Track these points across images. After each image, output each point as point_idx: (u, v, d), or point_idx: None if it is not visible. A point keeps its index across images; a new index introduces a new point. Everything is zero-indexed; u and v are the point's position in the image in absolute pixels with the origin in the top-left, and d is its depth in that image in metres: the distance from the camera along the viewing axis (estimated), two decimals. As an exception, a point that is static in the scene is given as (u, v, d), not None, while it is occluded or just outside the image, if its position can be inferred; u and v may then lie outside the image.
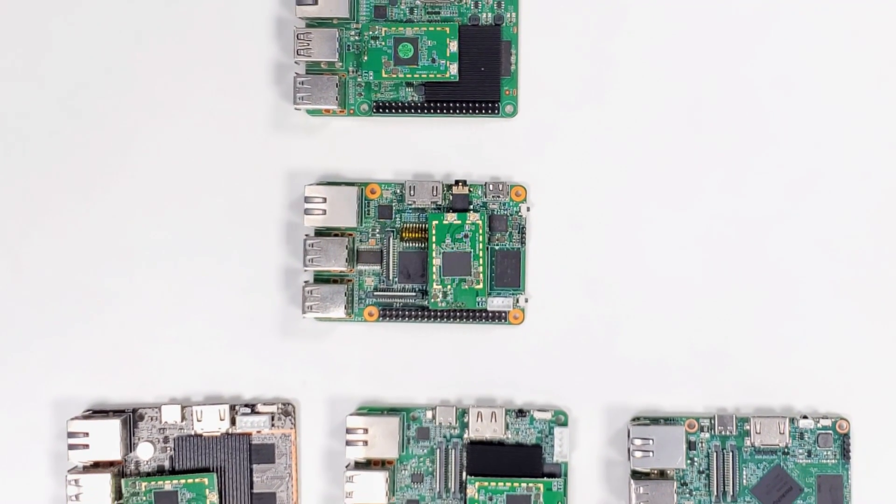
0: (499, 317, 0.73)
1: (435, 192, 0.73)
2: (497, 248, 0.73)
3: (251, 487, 0.74)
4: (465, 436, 0.73)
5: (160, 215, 0.75)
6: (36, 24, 0.76)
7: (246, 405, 0.74)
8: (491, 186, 0.73)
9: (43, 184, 0.76)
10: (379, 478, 0.71)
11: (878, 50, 0.75)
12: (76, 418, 0.72)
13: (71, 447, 0.72)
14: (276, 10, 0.75)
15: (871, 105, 0.74)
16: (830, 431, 0.72)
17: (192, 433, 0.73)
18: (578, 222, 0.74)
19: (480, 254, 0.72)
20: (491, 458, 0.72)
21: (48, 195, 0.76)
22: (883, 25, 0.75)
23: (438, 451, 0.73)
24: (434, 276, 0.72)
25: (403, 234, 0.73)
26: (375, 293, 0.73)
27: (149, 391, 0.75)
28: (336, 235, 0.73)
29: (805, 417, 0.72)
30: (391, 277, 0.73)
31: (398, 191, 0.73)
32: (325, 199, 0.72)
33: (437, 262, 0.72)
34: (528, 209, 0.74)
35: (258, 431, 0.74)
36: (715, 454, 0.72)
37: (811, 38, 0.75)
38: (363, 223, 0.73)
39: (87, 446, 0.72)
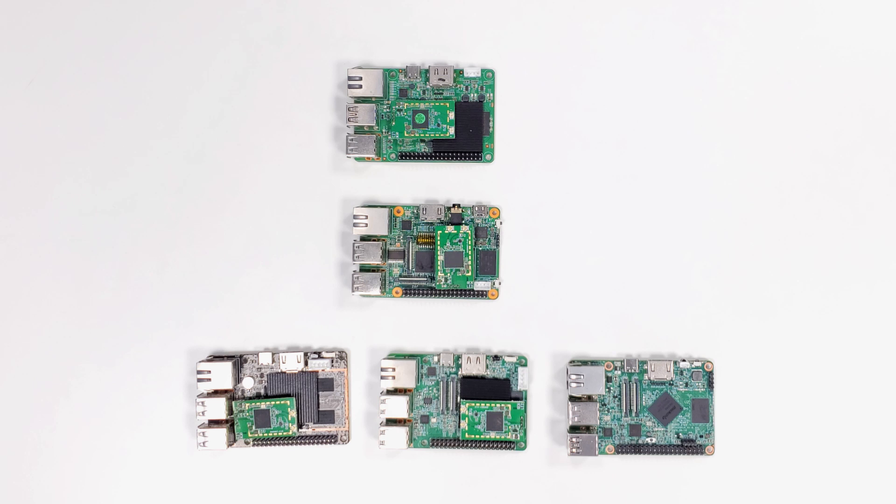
0: (481, 294, 0.80)
1: (439, 212, 0.79)
2: (480, 248, 0.80)
3: (318, 407, 0.80)
4: (460, 373, 0.79)
5: (260, 230, 0.81)
6: (173, 103, 0.82)
7: (314, 352, 0.80)
8: (476, 208, 0.80)
9: (180, 205, 0.81)
10: (402, 400, 0.78)
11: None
12: (203, 361, 0.79)
13: (199, 380, 0.79)
14: (335, 92, 0.81)
15: (737, 117, 0.79)
16: (700, 370, 0.79)
17: (279, 371, 0.79)
18: (534, 232, 0.81)
19: (469, 252, 0.78)
20: (476, 388, 0.79)
21: (185, 213, 0.81)
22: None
23: (442, 383, 0.80)
24: (439, 267, 0.78)
25: (418, 240, 0.79)
26: (400, 278, 0.80)
27: (250, 343, 0.81)
28: (374, 240, 0.79)
29: (683, 361, 0.79)
30: (410, 268, 0.80)
31: (415, 211, 0.80)
32: (367, 217, 0.79)
33: (440, 257, 0.78)
34: (501, 223, 0.80)
35: (322, 370, 0.80)
36: (624, 385, 0.79)
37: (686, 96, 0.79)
38: (392, 232, 0.80)
39: (209, 379, 0.78)
